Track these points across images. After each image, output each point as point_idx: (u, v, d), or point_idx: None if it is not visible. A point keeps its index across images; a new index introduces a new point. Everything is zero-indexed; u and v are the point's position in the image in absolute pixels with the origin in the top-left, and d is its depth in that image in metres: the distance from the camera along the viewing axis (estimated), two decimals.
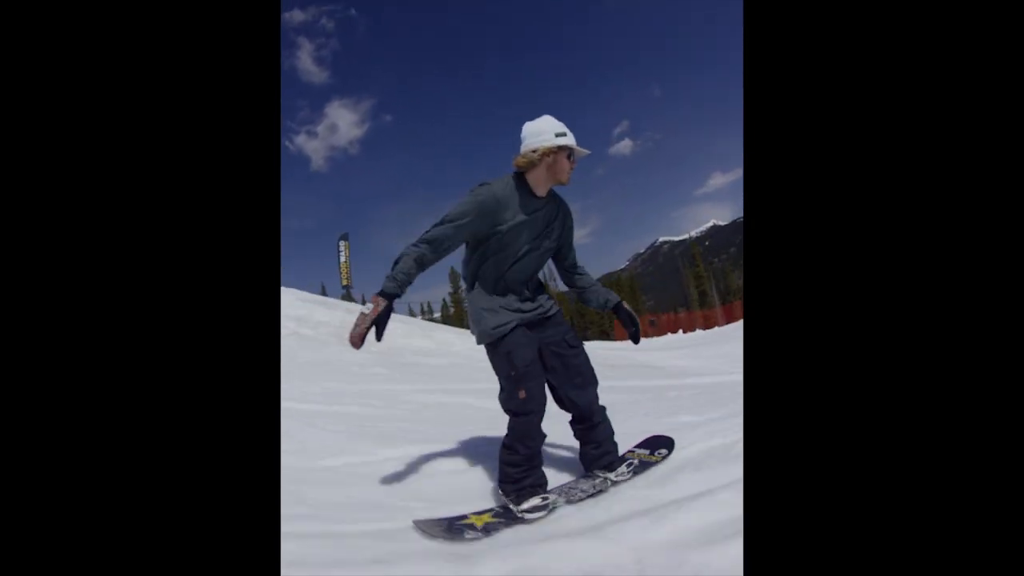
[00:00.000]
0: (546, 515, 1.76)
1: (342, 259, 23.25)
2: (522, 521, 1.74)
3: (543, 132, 1.81)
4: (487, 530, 1.68)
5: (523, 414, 1.82)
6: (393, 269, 1.75)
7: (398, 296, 1.75)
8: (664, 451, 2.19)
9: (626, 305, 2.08)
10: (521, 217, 1.82)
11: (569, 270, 2.07)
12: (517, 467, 1.84)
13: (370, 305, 1.69)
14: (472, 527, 1.69)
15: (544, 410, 1.88)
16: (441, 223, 1.78)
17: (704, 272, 40.32)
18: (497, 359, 1.86)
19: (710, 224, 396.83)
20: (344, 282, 23.34)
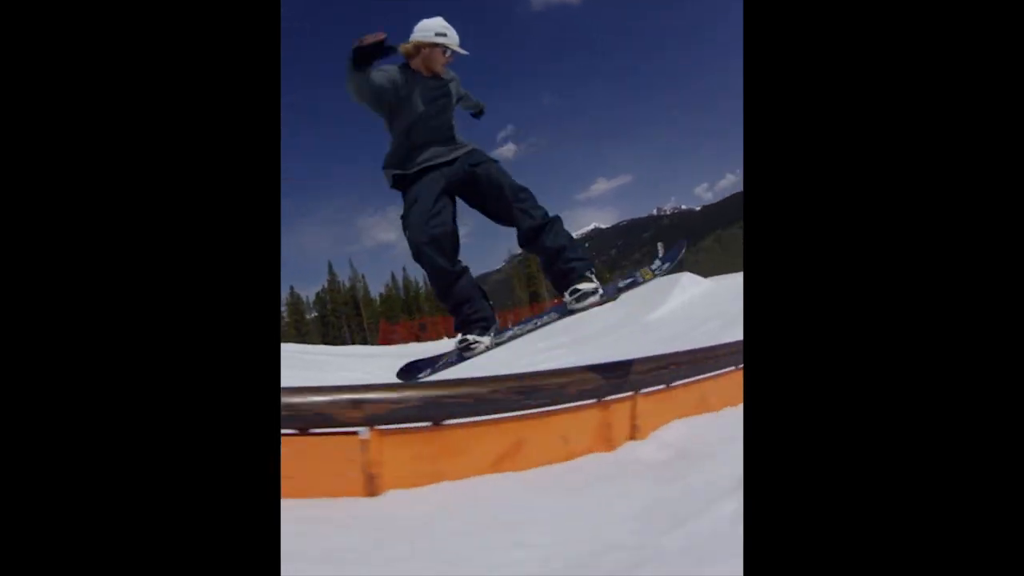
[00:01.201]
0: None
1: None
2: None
3: (427, 30, 2.21)
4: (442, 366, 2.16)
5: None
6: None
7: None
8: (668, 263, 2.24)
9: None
10: (410, 85, 2.23)
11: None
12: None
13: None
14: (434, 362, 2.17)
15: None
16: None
17: (536, 272, 39.80)
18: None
19: (591, 227, 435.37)
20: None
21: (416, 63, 2.24)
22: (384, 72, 2.18)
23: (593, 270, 2.15)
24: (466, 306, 2.21)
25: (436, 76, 2.27)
